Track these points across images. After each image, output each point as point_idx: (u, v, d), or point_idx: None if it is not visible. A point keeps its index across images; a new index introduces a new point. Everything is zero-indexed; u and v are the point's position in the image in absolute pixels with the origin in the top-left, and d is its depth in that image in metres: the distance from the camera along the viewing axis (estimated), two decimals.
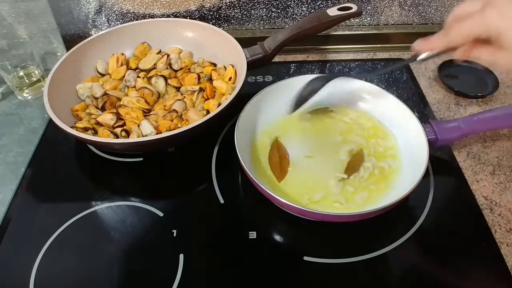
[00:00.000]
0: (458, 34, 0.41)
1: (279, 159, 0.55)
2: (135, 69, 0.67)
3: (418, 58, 0.47)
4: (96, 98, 0.63)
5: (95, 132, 0.57)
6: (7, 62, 0.66)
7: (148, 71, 0.67)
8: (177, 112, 0.59)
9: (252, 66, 0.63)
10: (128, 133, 0.56)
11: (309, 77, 0.59)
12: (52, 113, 0.54)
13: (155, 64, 0.67)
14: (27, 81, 0.70)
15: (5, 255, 0.49)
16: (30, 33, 0.74)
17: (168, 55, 0.67)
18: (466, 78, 0.72)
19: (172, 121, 0.57)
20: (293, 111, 0.57)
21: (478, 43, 0.40)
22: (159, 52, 0.70)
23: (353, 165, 0.55)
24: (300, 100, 0.57)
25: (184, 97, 0.61)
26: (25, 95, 0.70)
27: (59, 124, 0.53)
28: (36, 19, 0.73)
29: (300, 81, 0.62)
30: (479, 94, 0.68)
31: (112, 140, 0.54)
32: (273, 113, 0.61)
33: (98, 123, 0.58)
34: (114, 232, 0.51)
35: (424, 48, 0.46)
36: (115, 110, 0.60)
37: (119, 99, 0.62)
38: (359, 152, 0.57)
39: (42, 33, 0.74)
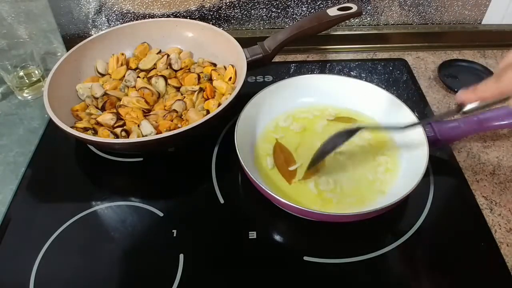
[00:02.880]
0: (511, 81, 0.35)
1: (285, 161, 0.55)
2: (135, 69, 0.67)
3: (464, 110, 0.40)
4: (96, 98, 0.63)
5: (95, 132, 0.57)
6: (7, 62, 0.66)
7: (148, 71, 0.67)
8: (177, 112, 0.59)
9: (252, 66, 0.63)
10: (128, 133, 0.56)
11: (314, 78, 0.59)
12: (52, 113, 0.54)
13: (155, 64, 0.67)
14: (27, 81, 0.70)
15: (5, 255, 0.49)
16: (30, 33, 0.74)
17: (168, 55, 0.67)
18: (466, 78, 0.72)
19: (172, 121, 0.57)
20: (309, 168, 0.53)
21: None
22: (159, 52, 0.70)
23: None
24: (320, 156, 0.52)
25: (184, 97, 0.61)
26: (25, 95, 0.70)
27: (59, 124, 0.53)
28: (36, 19, 0.73)
29: (300, 81, 0.62)
30: None
31: (112, 140, 0.54)
32: (273, 113, 0.61)
33: (98, 123, 0.58)
34: (114, 232, 0.51)
35: (471, 98, 0.39)
36: (115, 110, 0.60)
37: (119, 99, 0.62)
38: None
39: (42, 33, 0.74)
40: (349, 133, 0.51)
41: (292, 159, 0.55)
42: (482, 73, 0.72)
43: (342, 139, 0.51)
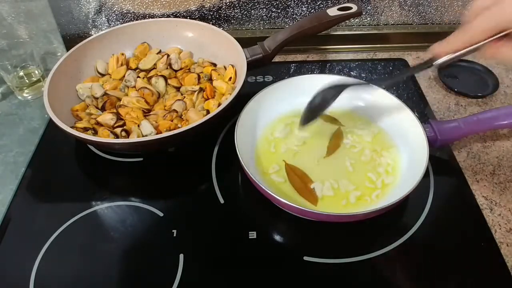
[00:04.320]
0: (477, 28, 0.37)
1: (303, 183, 0.53)
2: (135, 69, 0.67)
3: (436, 63, 0.43)
4: (96, 98, 0.63)
5: (95, 132, 0.57)
6: (7, 62, 0.66)
7: (148, 71, 0.66)
8: (177, 112, 0.59)
9: (252, 66, 0.63)
10: (128, 133, 0.56)
11: (314, 78, 0.59)
12: (52, 113, 0.54)
13: (155, 64, 0.67)
14: (27, 81, 0.70)
15: (5, 255, 0.49)
16: (30, 33, 0.74)
17: (168, 55, 0.67)
18: (466, 78, 0.72)
19: (172, 121, 0.57)
20: (303, 124, 0.53)
21: (501, 41, 0.38)
22: (159, 52, 0.70)
23: (335, 143, 0.57)
24: (311, 112, 0.53)
25: (184, 97, 0.61)
26: (25, 95, 0.70)
27: (59, 124, 0.53)
28: (36, 19, 0.73)
29: (300, 81, 0.62)
30: (479, 94, 0.69)
31: (112, 140, 0.54)
32: (273, 113, 0.61)
33: (98, 123, 0.58)
34: (114, 232, 0.51)
35: (443, 50, 0.41)
36: (115, 110, 0.60)
37: (119, 99, 0.62)
38: (338, 130, 0.59)
39: (42, 33, 0.74)
40: (338, 89, 0.52)
41: (308, 178, 0.53)
42: (482, 73, 0.72)
43: (331, 95, 0.52)
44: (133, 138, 0.55)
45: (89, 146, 0.61)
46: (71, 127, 0.54)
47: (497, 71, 0.73)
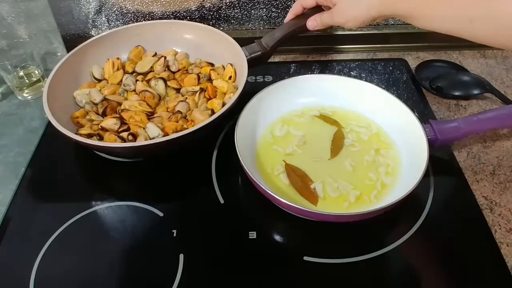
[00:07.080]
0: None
1: (303, 183, 0.53)
2: (132, 73, 0.66)
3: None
4: (96, 104, 0.62)
5: (100, 138, 0.56)
6: (7, 62, 0.66)
7: (145, 74, 0.66)
8: (181, 113, 0.58)
9: (252, 64, 0.62)
10: (135, 137, 0.55)
11: (314, 78, 0.61)
12: (57, 123, 0.52)
13: (152, 67, 0.66)
14: (27, 81, 0.70)
15: (5, 255, 0.49)
16: (30, 33, 0.74)
17: (165, 57, 0.67)
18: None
19: (177, 122, 0.57)
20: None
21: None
22: (155, 54, 0.69)
23: (338, 145, 0.57)
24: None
25: (186, 98, 0.61)
26: (25, 95, 0.70)
27: (64, 132, 0.51)
28: (36, 19, 0.73)
29: (300, 81, 0.62)
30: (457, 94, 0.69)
31: (122, 144, 0.52)
32: (273, 113, 0.61)
33: (102, 129, 0.57)
34: (114, 232, 0.51)
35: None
36: (117, 115, 0.59)
37: (120, 104, 0.61)
38: (338, 132, 0.59)
39: (42, 33, 0.74)
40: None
41: (308, 178, 0.53)
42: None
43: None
44: (142, 141, 0.53)
45: None
46: (75, 133, 0.53)
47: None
